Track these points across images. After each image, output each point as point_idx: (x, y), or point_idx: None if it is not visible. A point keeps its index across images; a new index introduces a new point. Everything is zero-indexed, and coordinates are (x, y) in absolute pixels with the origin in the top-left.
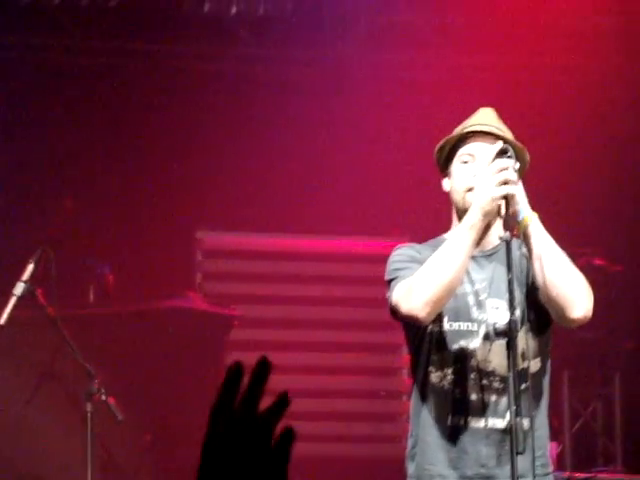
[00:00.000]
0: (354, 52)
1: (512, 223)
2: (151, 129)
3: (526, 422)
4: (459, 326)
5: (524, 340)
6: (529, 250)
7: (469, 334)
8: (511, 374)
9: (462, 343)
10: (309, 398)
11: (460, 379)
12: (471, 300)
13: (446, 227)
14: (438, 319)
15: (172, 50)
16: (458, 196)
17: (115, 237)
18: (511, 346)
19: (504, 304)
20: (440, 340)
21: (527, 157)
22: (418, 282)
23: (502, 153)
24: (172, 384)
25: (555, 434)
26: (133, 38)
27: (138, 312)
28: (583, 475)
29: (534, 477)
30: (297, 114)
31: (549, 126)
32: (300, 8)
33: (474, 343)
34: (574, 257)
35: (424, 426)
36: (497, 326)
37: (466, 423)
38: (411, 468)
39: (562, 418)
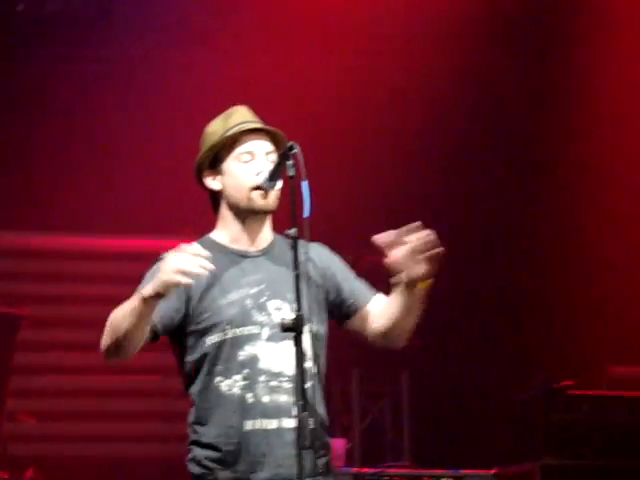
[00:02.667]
0: (140, 50)
1: (299, 219)
2: None
3: (311, 421)
4: (241, 332)
5: (306, 341)
6: (402, 301)
7: (253, 338)
8: (298, 369)
9: (247, 348)
10: (97, 397)
11: (250, 384)
12: (250, 303)
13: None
14: (219, 329)
15: None
16: (241, 194)
17: None
18: (298, 341)
19: (286, 304)
20: (224, 349)
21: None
22: (107, 331)
23: (290, 150)
24: None
25: (344, 431)
26: None
27: None
28: (372, 470)
29: (326, 474)
30: (86, 112)
31: (329, 124)
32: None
33: (259, 346)
34: (360, 257)
35: (216, 434)
36: (284, 322)
37: (261, 426)
38: (213, 474)
39: (351, 415)
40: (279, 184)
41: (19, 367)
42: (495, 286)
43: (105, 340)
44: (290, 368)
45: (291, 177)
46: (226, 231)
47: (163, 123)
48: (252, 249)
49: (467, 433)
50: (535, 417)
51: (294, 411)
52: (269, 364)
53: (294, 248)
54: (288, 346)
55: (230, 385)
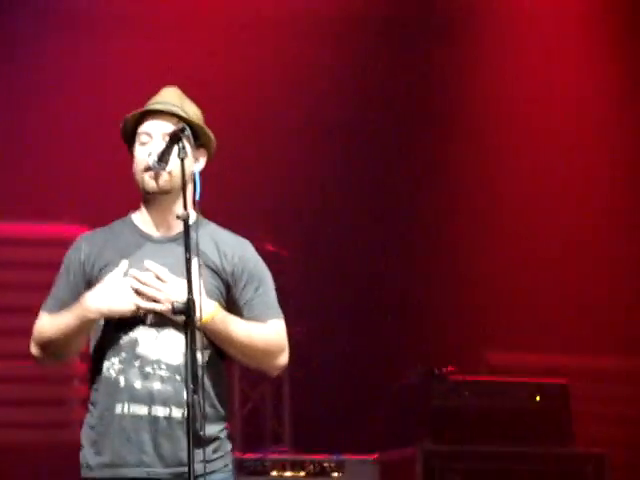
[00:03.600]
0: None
1: (191, 200)
2: None
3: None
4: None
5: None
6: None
7: (136, 322)
8: (189, 352)
9: (128, 331)
10: None
11: (125, 367)
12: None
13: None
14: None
15: None
16: (137, 177)
17: None
18: (189, 323)
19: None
20: (108, 329)
21: (211, 136)
22: (43, 335)
23: (181, 131)
24: None
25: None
26: None
27: None
28: (253, 456)
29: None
30: None
31: (233, 108)
32: None
33: (140, 331)
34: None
35: (96, 416)
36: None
37: (130, 411)
38: (86, 458)
39: (232, 401)
40: (171, 165)
41: None
42: (374, 273)
43: (38, 350)
44: (169, 357)
45: (181, 159)
46: (140, 213)
47: (45, 108)
48: (157, 234)
49: (349, 419)
50: (418, 402)
51: (170, 404)
52: (147, 350)
53: (185, 231)
54: (170, 335)
55: (108, 367)
